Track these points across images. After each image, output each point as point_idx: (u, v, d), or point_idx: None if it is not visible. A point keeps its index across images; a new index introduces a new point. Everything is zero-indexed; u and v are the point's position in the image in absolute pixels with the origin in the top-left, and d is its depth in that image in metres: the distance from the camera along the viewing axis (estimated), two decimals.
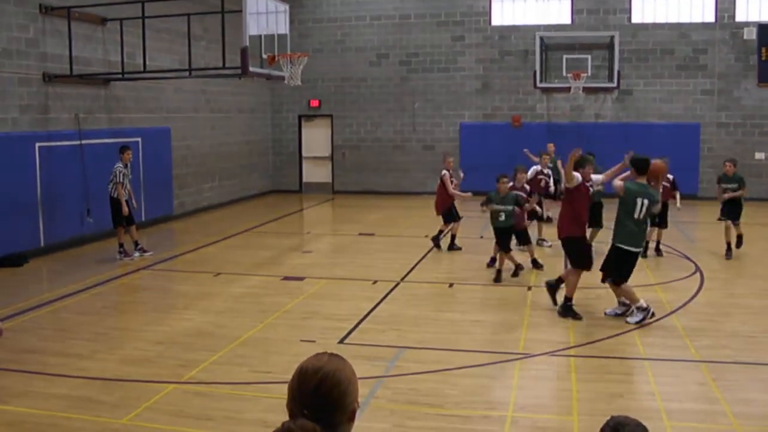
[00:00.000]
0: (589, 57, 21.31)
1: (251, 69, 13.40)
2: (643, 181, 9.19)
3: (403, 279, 11.83)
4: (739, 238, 13.45)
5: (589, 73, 21.03)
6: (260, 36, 13.81)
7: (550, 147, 17.43)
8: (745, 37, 21.30)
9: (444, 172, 14.14)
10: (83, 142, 14.69)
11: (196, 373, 7.49)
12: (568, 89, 21.03)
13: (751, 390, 7.04)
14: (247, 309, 10.11)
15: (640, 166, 9.20)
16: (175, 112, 18.70)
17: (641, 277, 11.84)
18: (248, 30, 13.03)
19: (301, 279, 11.89)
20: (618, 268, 9.27)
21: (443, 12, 23.33)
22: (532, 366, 7.81)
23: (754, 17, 21.32)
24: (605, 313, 9.54)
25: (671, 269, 12.48)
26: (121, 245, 13.46)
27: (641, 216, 9.09)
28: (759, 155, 21.71)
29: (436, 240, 14.31)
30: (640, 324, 9.03)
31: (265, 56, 13.98)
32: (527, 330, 9.05)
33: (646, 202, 9.05)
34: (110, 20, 15.40)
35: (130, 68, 15.27)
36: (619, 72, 20.83)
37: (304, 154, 25.17)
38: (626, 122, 22.46)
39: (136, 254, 13.58)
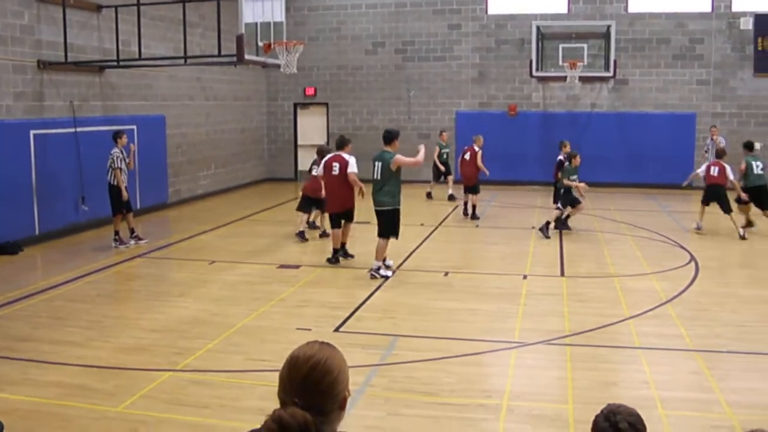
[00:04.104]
0: (586, 46, 21.29)
1: (247, 57, 13.35)
2: (389, 149, 11.30)
3: (398, 267, 11.83)
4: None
5: (585, 63, 21.01)
6: (256, 23, 13.74)
7: (444, 135, 20.02)
8: (741, 26, 21.26)
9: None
10: (78, 129, 14.63)
11: (192, 360, 7.49)
12: (564, 78, 21.02)
13: (745, 379, 7.07)
14: (242, 297, 10.11)
15: (386, 136, 11.53)
16: (170, 100, 18.62)
17: (636, 267, 11.90)
18: (244, 17, 12.98)
19: (296, 267, 11.88)
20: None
21: (439, 0, 23.25)
22: (527, 354, 7.83)
23: (750, 7, 21.25)
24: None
25: (666, 258, 12.50)
26: (116, 233, 13.43)
27: (377, 177, 11.32)
28: (756, 145, 21.68)
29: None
30: (375, 275, 10.97)
31: (260, 44, 13.91)
32: (522, 319, 9.07)
33: (379, 165, 11.26)
34: (105, 7, 15.32)
35: (126, 56, 15.18)
36: (615, 61, 20.81)
37: (299, 142, 25.09)
38: (622, 111, 22.45)
39: (132, 242, 13.56)
